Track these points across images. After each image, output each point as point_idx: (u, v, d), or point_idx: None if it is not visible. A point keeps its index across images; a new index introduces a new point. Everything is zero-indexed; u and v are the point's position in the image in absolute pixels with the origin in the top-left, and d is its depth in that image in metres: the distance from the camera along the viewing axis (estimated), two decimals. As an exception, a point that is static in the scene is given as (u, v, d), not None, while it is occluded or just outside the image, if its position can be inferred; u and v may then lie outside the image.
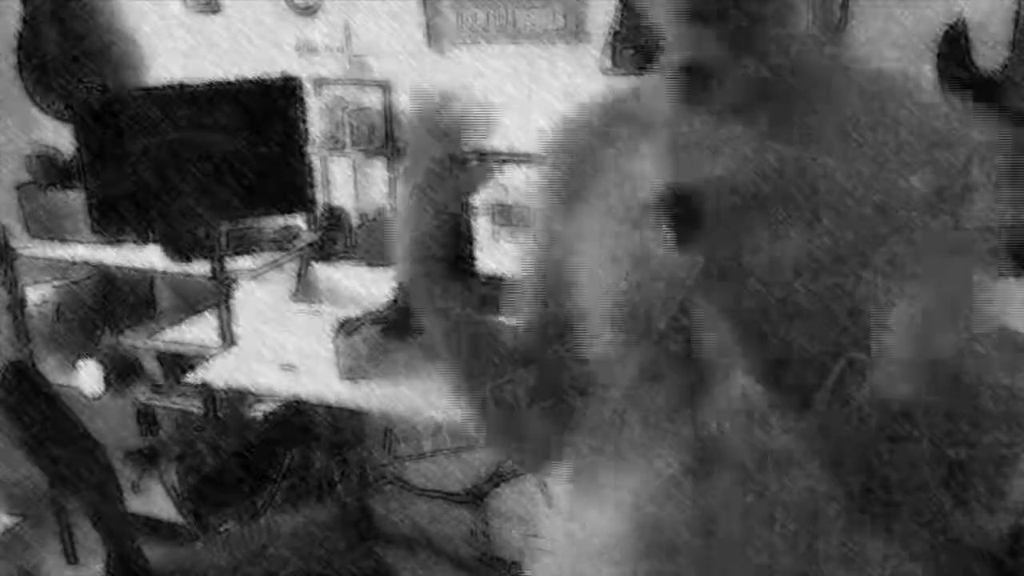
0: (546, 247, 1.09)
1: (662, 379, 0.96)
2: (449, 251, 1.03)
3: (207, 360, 2.34)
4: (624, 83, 1.08)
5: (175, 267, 2.65)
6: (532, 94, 2.53)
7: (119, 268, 2.86)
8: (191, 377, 2.29)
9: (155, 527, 2.82)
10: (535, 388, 1.08)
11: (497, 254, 2.41)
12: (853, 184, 0.83)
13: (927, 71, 2.14)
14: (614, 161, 1.00)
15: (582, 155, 1.04)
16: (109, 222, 2.45)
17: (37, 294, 2.97)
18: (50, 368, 2.87)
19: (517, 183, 2.36)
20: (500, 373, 1.07)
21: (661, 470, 0.96)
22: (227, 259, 2.53)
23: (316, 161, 2.68)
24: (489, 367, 1.07)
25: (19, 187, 2.89)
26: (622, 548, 1.00)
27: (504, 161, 2.36)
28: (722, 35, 0.80)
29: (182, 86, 2.41)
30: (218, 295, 2.52)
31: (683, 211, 0.71)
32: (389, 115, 2.69)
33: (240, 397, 2.56)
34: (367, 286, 2.39)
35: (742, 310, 0.76)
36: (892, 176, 0.83)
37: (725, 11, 0.79)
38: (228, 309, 2.50)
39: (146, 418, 3.15)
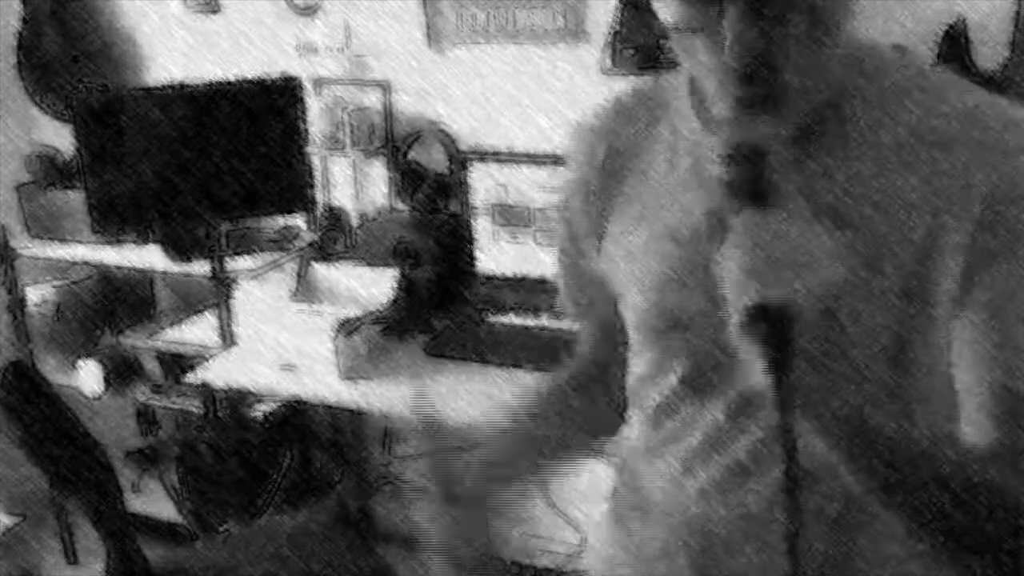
0: (582, 258, 1.06)
1: (702, 391, 0.95)
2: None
3: (207, 360, 2.34)
4: (627, 85, 1.06)
5: (175, 267, 2.65)
6: (532, 94, 2.53)
7: (119, 268, 2.86)
8: (191, 377, 2.29)
9: (155, 527, 2.82)
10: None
11: (497, 254, 2.41)
12: (906, 205, 0.78)
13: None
14: (641, 164, 0.97)
15: (610, 163, 1.00)
16: (109, 222, 2.45)
17: (37, 294, 2.97)
18: (50, 368, 2.87)
19: (517, 183, 2.35)
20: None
21: (703, 481, 0.96)
22: (227, 259, 2.53)
23: (316, 161, 2.68)
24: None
25: (19, 187, 2.89)
26: (670, 556, 1.00)
27: (504, 161, 2.36)
28: (778, 50, 0.73)
29: (182, 86, 2.41)
30: (218, 295, 2.52)
31: (773, 327, 0.66)
32: (389, 115, 2.69)
33: (240, 397, 2.56)
34: (367, 286, 2.39)
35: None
36: (940, 187, 0.78)
37: (782, 22, 0.73)
38: (228, 309, 2.50)
39: (146, 418, 3.15)
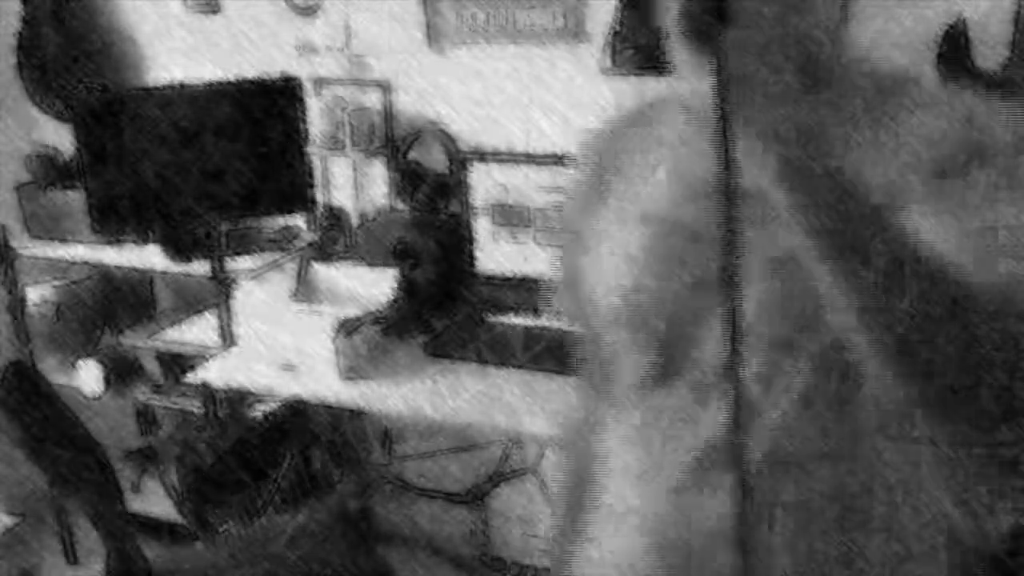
0: (569, 249, 1.11)
1: (664, 383, 0.96)
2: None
3: (207, 360, 2.34)
4: (627, 85, 1.11)
5: (175, 267, 2.65)
6: (532, 94, 2.53)
7: (119, 268, 2.86)
8: (191, 377, 2.29)
9: (155, 527, 2.82)
10: None
11: (496, 254, 2.41)
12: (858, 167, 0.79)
13: (927, 71, 2.14)
14: (633, 168, 1.03)
15: (606, 161, 1.07)
16: (109, 222, 2.45)
17: (37, 294, 2.97)
18: (50, 368, 2.87)
19: (517, 183, 2.35)
20: None
21: (669, 478, 0.96)
22: (227, 259, 2.53)
23: (316, 161, 2.68)
24: None
25: (19, 187, 2.89)
26: (642, 566, 0.99)
27: (504, 161, 2.36)
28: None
29: (182, 86, 2.41)
30: (218, 295, 2.52)
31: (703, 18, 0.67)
32: (389, 115, 2.69)
33: (240, 397, 2.56)
34: (367, 286, 2.39)
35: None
36: (894, 169, 0.85)
37: None
38: (228, 309, 2.50)
39: (146, 418, 3.15)
